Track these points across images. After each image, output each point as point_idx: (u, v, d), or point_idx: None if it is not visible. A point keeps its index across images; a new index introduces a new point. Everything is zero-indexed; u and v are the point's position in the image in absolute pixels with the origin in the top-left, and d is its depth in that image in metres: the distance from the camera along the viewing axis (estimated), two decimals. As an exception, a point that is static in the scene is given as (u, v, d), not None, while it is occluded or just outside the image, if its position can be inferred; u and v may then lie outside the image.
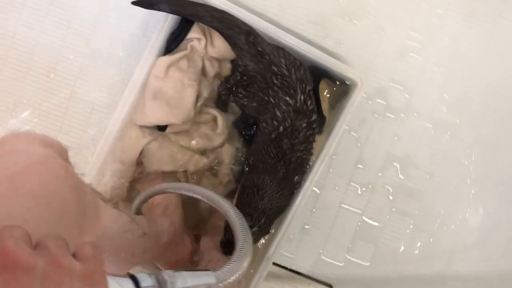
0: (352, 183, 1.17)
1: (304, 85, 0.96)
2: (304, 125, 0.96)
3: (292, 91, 0.95)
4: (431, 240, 1.19)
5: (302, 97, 0.95)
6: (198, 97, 1.01)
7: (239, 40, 0.97)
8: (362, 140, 1.16)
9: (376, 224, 1.18)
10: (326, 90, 1.10)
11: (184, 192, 0.82)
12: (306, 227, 1.18)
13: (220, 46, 1.01)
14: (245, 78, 0.99)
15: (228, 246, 0.93)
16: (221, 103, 1.06)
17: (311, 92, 0.99)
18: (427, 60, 1.15)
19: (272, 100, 0.96)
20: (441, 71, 1.15)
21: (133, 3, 0.97)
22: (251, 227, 0.92)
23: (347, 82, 1.06)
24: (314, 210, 1.17)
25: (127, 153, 1.00)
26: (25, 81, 1.12)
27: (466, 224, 1.19)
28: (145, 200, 0.89)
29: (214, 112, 1.03)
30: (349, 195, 1.18)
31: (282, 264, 1.18)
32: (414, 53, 1.15)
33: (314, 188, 1.16)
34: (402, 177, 1.17)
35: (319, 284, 1.19)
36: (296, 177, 1.01)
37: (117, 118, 0.99)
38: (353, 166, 1.17)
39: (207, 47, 1.01)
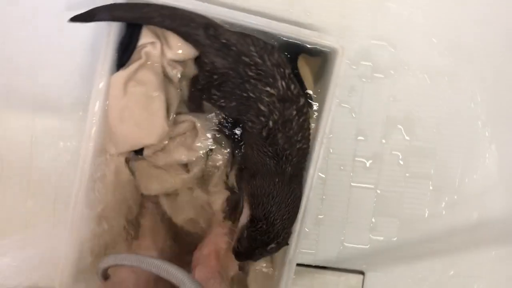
0: (357, 158, 1.07)
1: (282, 69, 0.86)
2: (294, 112, 0.86)
3: (271, 80, 0.85)
4: (455, 197, 1.09)
5: (283, 83, 0.86)
6: (168, 107, 0.90)
7: (198, 36, 0.87)
8: (356, 110, 1.06)
9: (393, 195, 1.09)
10: (306, 67, 0.98)
11: (129, 264, 0.73)
12: (320, 217, 1.08)
13: (178, 46, 0.90)
14: (215, 77, 0.88)
15: (240, 257, 0.86)
16: (194, 105, 0.95)
17: (292, 75, 0.88)
18: (405, 6, 1.05)
19: (252, 94, 0.86)
20: (423, 13, 1.05)
21: (71, 19, 0.85)
22: (268, 244, 0.84)
23: (325, 51, 0.95)
24: (324, 197, 1.07)
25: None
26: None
27: (487, 168, 1.10)
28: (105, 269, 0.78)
29: (190, 118, 0.92)
30: (357, 172, 1.08)
31: (305, 263, 1.08)
32: (390, 2, 1.04)
33: (320, 174, 1.05)
34: (408, 138, 1.08)
35: (350, 273, 1.09)
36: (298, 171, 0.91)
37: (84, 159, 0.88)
38: (353, 140, 1.07)
39: (164, 50, 0.90)
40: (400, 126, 1.07)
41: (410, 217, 1.09)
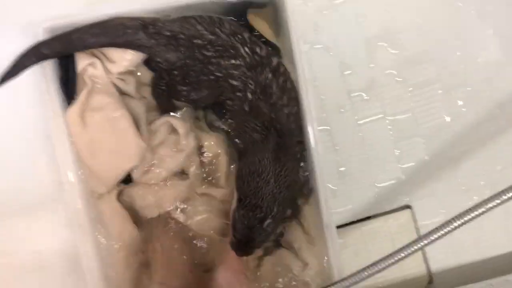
0: (352, 94, 0.99)
1: (239, 36, 0.80)
2: (270, 75, 0.80)
3: (232, 51, 0.79)
4: (468, 88, 1.00)
5: (246, 49, 0.80)
6: (137, 122, 0.84)
7: (140, 40, 0.81)
8: (330, 46, 0.98)
9: (405, 115, 1.00)
10: (260, 20, 0.90)
11: None
12: (341, 169, 1.00)
13: (120, 57, 0.83)
14: (175, 72, 0.82)
15: (240, 246, 0.79)
16: (164, 107, 0.88)
17: (253, 37, 0.82)
18: None
19: (219, 74, 0.80)
20: None
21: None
22: (262, 220, 0.77)
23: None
24: (337, 148, 0.99)
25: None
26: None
27: (489, 49, 1.00)
28: None
29: (164, 119, 0.85)
30: (359, 108, 0.99)
31: (347, 221, 1.00)
32: None
33: (320, 128, 0.98)
34: (396, 51, 0.99)
35: (396, 212, 1.00)
36: (295, 138, 0.84)
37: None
38: (340, 77, 0.99)
39: (106, 66, 0.83)
40: (382, 43, 0.99)
41: (432, 130, 1.00)
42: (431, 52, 0.99)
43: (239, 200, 0.78)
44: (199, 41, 0.79)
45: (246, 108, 0.80)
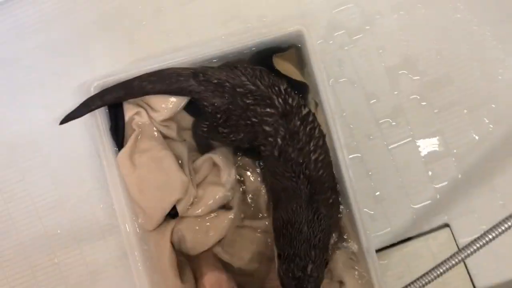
0: (380, 121, 1.04)
1: (276, 88, 0.88)
2: (298, 123, 0.86)
3: (268, 101, 0.87)
4: (493, 105, 1.03)
5: (280, 100, 0.87)
6: (181, 161, 0.91)
7: (191, 86, 0.89)
8: (354, 78, 1.04)
9: (434, 137, 1.04)
10: (285, 63, 0.98)
11: None
12: (377, 194, 1.03)
13: (162, 107, 0.92)
14: (219, 115, 0.90)
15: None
16: (202, 148, 0.96)
17: (289, 89, 0.89)
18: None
19: (254, 120, 0.87)
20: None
21: (63, 121, 0.92)
22: (305, 268, 0.80)
23: (294, 41, 0.95)
24: (370, 173, 1.03)
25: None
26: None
27: (507, 68, 1.04)
28: None
29: (207, 156, 0.93)
30: (387, 134, 1.04)
31: (387, 244, 1.03)
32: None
33: (352, 156, 1.03)
34: (417, 77, 1.04)
35: (435, 231, 1.02)
36: (326, 184, 0.88)
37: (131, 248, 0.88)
38: (367, 106, 1.04)
39: (150, 115, 0.92)
40: (403, 71, 1.04)
41: (462, 149, 1.03)
42: (451, 75, 1.03)
43: (279, 256, 0.82)
44: (242, 90, 0.87)
45: (276, 153, 0.86)
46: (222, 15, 1.04)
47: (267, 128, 0.86)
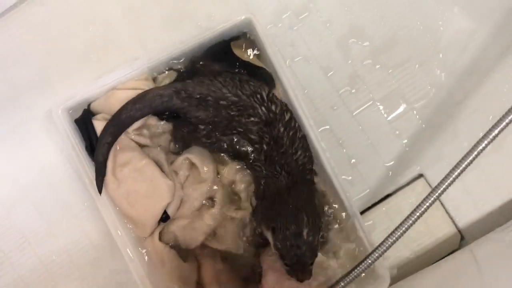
0: (340, 91, 1.08)
1: (258, 96, 0.91)
2: (282, 129, 0.90)
3: (251, 110, 0.90)
4: (440, 55, 1.09)
5: (263, 109, 0.90)
6: (160, 166, 0.94)
7: (175, 104, 0.92)
8: (307, 55, 1.08)
9: (392, 96, 1.08)
10: (243, 52, 1.01)
11: None
12: (353, 161, 1.08)
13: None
14: (202, 127, 0.93)
15: (297, 270, 0.83)
16: (180, 144, 0.98)
17: (270, 95, 0.93)
18: None
19: (240, 129, 0.91)
20: None
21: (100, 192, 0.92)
22: (300, 233, 0.83)
23: (245, 30, 0.99)
24: (341, 141, 1.08)
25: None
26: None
27: (448, 18, 1.09)
28: None
29: (184, 157, 0.95)
30: (349, 101, 1.08)
31: (369, 205, 1.08)
32: None
33: (321, 129, 1.07)
34: (367, 43, 1.09)
35: (411, 183, 1.08)
36: (308, 177, 0.94)
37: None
38: (325, 79, 1.08)
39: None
40: (352, 39, 1.08)
41: (420, 102, 1.08)
42: (397, 35, 1.08)
43: (273, 230, 0.85)
44: (225, 102, 0.90)
45: (262, 157, 0.91)
46: (171, 19, 1.06)
47: (252, 137, 0.90)
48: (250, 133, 0.90)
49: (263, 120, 0.89)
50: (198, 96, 0.90)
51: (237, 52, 0.98)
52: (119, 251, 0.91)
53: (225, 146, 0.93)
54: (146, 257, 0.92)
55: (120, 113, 0.91)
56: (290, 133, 0.91)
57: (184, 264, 0.94)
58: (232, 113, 0.90)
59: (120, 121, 0.91)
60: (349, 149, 1.08)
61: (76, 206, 1.02)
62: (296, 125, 0.93)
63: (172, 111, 0.94)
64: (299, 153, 0.91)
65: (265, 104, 0.90)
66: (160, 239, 0.93)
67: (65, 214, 1.02)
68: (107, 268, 1.02)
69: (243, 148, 0.92)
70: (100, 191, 0.89)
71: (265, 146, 0.90)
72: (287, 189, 0.88)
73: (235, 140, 0.92)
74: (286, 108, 0.93)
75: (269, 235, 0.86)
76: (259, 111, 0.89)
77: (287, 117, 0.92)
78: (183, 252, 0.95)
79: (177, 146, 0.98)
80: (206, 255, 0.95)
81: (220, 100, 0.90)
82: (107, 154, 0.91)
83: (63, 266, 1.02)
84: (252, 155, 0.92)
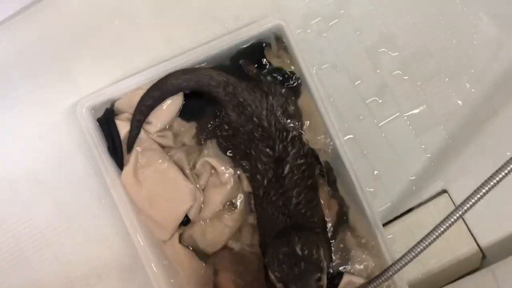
0: (367, 101, 1.06)
1: (284, 134, 0.90)
2: (288, 170, 0.88)
3: (271, 142, 0.89)
4: (472, 70, 1.07)
5: (281, 146, 0.89)
6: (181, 168, 0.93)
7: (218, 93, 0.92)
8: (336, 63, 1.06)
9: (419, 109, 1.06)
10: (274, 58, 1.00)
11: None
12: (376, 172, 1.06)
13: (155, 119, 0.93)
14: (226, 127, 0.93)
15: None
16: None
17: (296, 138, 0.92)
18: None
19: (253, 152, 0.90)
20: None
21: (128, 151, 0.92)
22: (293, 252, 0.78)
23: (277, 33, 0.97)
24: (365, 152, 1.06)
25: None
26: None
27: (480, 31, 1.08)
28: None
29: (204, 160, 0.94)
30: (375, 111, 1.06)
31: (390, 218, 1.06)
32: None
33: (346, 138, 1.05)
34: (397, 53, 1.07)
35: (434, 199, 1.06)
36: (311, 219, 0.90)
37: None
38: (352, 88, 1.06)
39: (146, 128, 0.93)
40: (382, 49, 1.06)
41: (449, 115, 1.06)
42: (428, 46, 1.06)
43: (268, 265, 0.79)
44: (257, 121, 0.89)
45: (260, 193, 0.89)
46: (197, 20, 1.04)
47: (259, 166, 0.89)
48: (259, 161, 0.89)
49: (275, 156, 0.88)
50: (241, 99, 0.90)
51: (268, 56, 0.97)
52: (137, 253, 0.90)
53: (237, 158, 0.93)
54: (165, 262, 0.91)
55: (167, 78, 0.91)
56: (295, 177, 0.88)
57: (204, 266, 0.93)
58: (255, 134, 0.89)
59: (164, 86, 0.91)
60: (373, 160, 1.05)
61: (94, 204, 1.00)
62: (306, 174, 0.90)
63: (211, 96, 0.93)
64: (300, 198, 0.88)
65: (284, 143, 0.89)
66: (180, 242, 0.92)
67: (84, 212, 1.00)
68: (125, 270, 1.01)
69: (249, 172, 0.92)
70: (130, 148, 0.90)
71: (265, 182, 0.88)
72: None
73: (247, 158, 0.91)
74: (303, 153, 0.91)
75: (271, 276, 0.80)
76: (276, 146, 0.89)
77: (299, 161, 0.90)
78: (202, 257, 0.94)
79: (201, 137, 0.97)
80: (224, 260, 0.94)
81: (255, 117, 0.89)
82: (145, 115, 0.91)
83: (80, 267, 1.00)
84: (254, 185, 0.91)
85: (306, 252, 0.77)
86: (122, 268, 1.00)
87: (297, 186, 0.88)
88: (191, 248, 0.94)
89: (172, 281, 0.90)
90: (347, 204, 0.98)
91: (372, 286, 0.84)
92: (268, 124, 0.89)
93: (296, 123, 0.93)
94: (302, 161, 0.90)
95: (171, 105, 0.93)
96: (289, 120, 0.92)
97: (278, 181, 0.87)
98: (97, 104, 0.92)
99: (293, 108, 0.94)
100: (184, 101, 0.95)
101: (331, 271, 0.93)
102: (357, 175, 0.93)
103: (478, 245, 1.04)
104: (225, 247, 0.94)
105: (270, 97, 0.91)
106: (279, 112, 0.91)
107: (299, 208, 0.87)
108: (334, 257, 0.95)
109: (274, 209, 0.86)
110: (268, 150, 0.89)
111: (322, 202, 0.95)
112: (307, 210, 0.88)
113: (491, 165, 0.98)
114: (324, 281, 0.77)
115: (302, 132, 0.94)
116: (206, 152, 0.94)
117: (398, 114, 1.06)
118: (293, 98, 0.96)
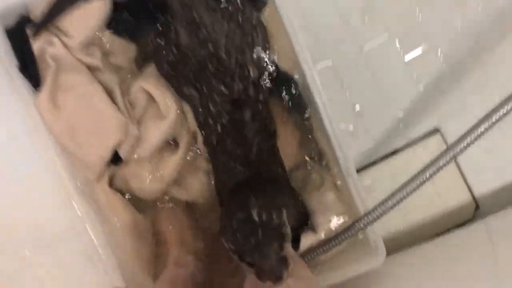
0: (349, 19, 0.91)
1: (246, 71, 0.76)
2: (249, 116, 0.75)
3: (228, 79, 0.75)
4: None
5: (240, 85, 0.75)
6: (111, 95, 0.77)
7: (171, 3, 0.75)
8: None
9: (412, 32, 0.92)
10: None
11: None
12: (357, 107, 0.93)
13: (75, 28, 0.75)
14: (174, 50, 0.75)
15: (264, 269, 0.62)
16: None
17: (262, 82, 0.78)
18: None
19: (204, 88, 0.75)
20: None
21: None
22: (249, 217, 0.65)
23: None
24: (343, 83, 0.92)
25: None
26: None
27: None
28: None
29: (139, 86, 0.78)
30: (359, 33, 0.92)
31: (370, 161, 0.94)
32: None
33: (321, 66, 0.91)
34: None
35: (424, 139, 0.93)
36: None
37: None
38: (331, 2, 0.91)
39: (64, 42, 0.75)
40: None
41: (447, 41, 0.92)
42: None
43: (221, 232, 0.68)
44: (212, 50, 0.74)
45: (214, 141, 0.76)
46: None
47: (211, 107, 0.75)
48: (212, 101, 0.75)
49: (232, 96, 0.75)
50: (197, 18, 0.74)
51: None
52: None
53: (184, 92, 0.78)
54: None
55: None
56: (257, 125, 0.75)
57: (140, 216, 0.80)
58: (209, 66, 0.75)
59: None
60: (354, 93, 0.93)
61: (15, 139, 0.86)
62: (270, 118, 0.78)
63: (160, 8, 0.76)
64: (263, 147, 0.75)
65: (245, 83, 0.75)
66: (110, 185, 0.79)
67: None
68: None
69: (200, 114, 0.77)
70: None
71: (219, 128, 0.75)
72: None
73: (196, 96, 0.76)
74: (266, 101, 0.78)
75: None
76: (235, 85, 0.75)
77: (260, 107, 0.76)
78: (138, 204, 0.82)
79: (140, 59, 0.81)
80: (167, 209, 0.83)
81: (210, 43, 0.74)
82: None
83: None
84: (205, 131, 0.78)
85: (264, 216, 0.65)
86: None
87: (258, 133, 0.75)
88: (126, 195, 0.81)
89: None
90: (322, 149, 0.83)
91: (339, 240, 0.75)
92: (227, 56, 0.74)
93: (263, 55, 0.78)
94: (265, 104, 0.77)
95: (93, 8, 0.75)
96: (255, 55, 0.77)
97: (236, 127, 0.75)
98: (4, 7, 0.74)
99: (261, 37, 0.78)
100: (116, 9, 0.77)
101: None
102: (329, 111, 0.77)
103: (472, 194, 0.95)
104: (166, 195, 0.82)
105: (235, 22, 0.75)
106: (243, 42, 0.76)
107: (261, 157, 0.75)
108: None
109: (232, 159, 0.74)
110: (223, 88, 0.75)
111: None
112: (269, 159, 0.77)
113: (492, 101, 0.86)
114: (289, 249, 0.65)
115: (270, 65, 0.79)
116: (143, 77, 0.79)
117: (387, 37, 0.92)
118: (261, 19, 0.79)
